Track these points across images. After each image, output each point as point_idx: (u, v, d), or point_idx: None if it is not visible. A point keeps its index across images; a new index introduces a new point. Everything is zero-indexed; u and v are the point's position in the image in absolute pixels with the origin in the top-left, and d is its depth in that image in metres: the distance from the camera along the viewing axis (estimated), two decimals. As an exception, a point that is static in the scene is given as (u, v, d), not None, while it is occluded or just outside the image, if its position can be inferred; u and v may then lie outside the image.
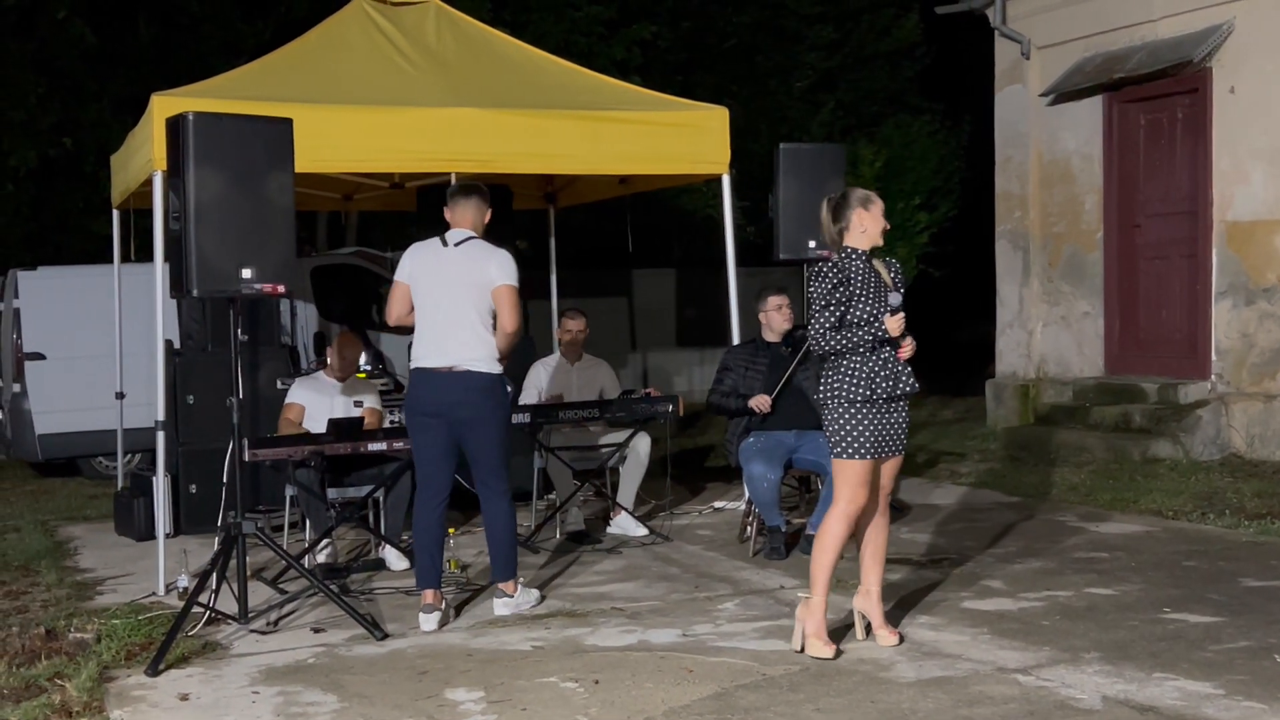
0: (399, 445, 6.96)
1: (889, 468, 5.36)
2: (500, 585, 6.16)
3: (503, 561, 6.13)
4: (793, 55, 19.46)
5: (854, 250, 5.29)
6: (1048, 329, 12.00)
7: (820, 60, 19.50)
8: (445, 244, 6.11)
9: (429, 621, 5.89)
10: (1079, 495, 8.89)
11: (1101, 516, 8.19)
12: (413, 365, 6.09)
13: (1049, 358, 11.98)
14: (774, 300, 7.55)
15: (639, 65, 17.03)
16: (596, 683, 4.97)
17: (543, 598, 6.35)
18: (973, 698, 4.68)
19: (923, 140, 18.78)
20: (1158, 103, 10.96)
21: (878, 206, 5.33)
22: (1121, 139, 11.26)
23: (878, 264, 5.31)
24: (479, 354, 5.99)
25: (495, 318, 6.04)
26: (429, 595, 5.96)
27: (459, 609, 6.23)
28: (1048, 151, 11.90)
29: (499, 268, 6.05)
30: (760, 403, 7.29)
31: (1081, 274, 11.63)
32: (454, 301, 6.00)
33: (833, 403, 5.24)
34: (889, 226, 5.38)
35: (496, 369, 6.04)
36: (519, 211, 10.32)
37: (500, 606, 6.14)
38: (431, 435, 6.02)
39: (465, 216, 6.16)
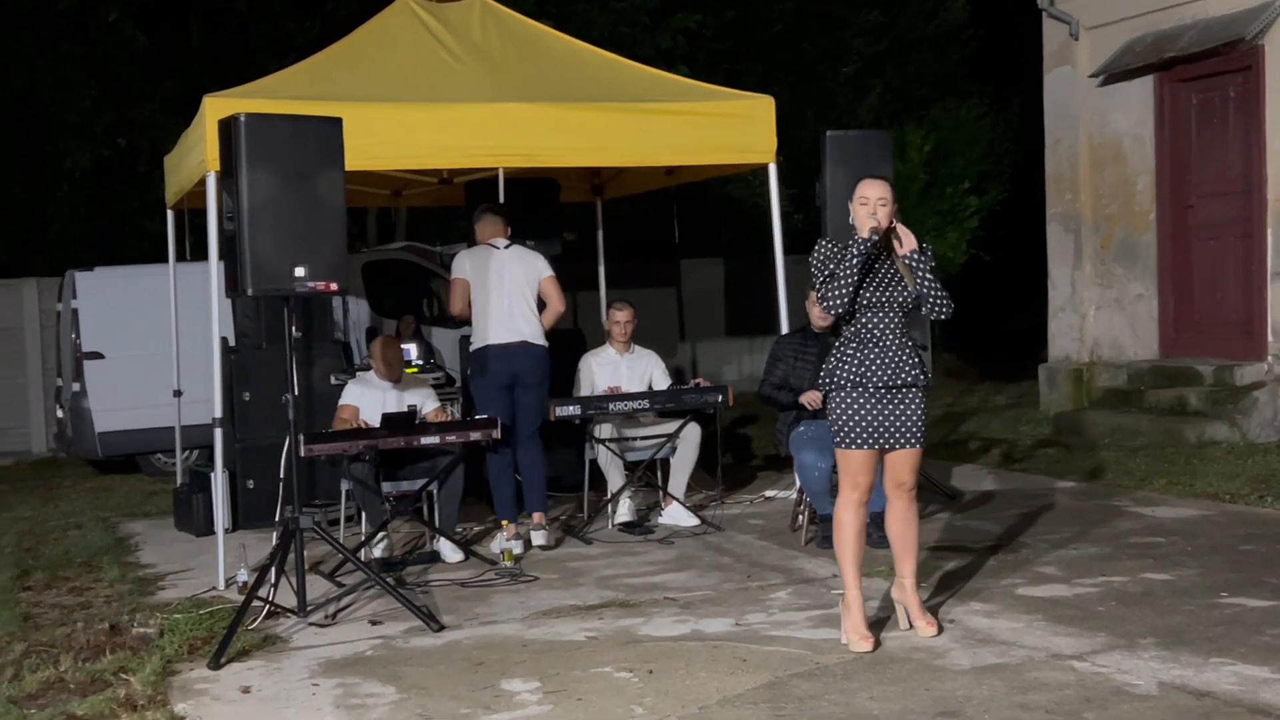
0: (451, 438, 7.03)
1: (902, 461, 5.27)
2: (536, 517, 7.48)
3: (540, 497, 7.56)
4: (839, 41, 19.36)
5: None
6: (1101, 312, 11.90)
7: (867, 45, 19.39)
8: (496, 248, 7.63)
9: (539, 536, 7.42)
10: (1134, 480, 8.82)
11: (1157, 501, 8.13)
12: (483, 343, 7.50)
13: (1102, 341, 11.87)
14: (814, 295, 7.51)
15: (684, 55, 17.01)
16: (651, 672, 5.00)
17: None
18: (1028, 684, 4.67)
19: (971, 124, 18.65)
20: (1209, 81, 10.82)
21: (857, 191, 5.25)
22: (1173, 119, 11.13)
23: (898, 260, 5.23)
24: (538, 330, 7.58)
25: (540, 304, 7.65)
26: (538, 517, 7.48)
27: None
28: (1098, 133, 11.79)
29: (543, 264, 7.71)
30: (812, 399, 7.30)
31: (1134, 256, 11.52)
32: (515, 291, 7.54)
33: (830, 389, 5.27)
34: (866, 200, 5.18)
35: (545, 342, 7.62)
36: (566, 204, 10.38)
37: (539, 537, 7.40)
38: (506, 397, 7.50)
39: (498, 229, 7.74)
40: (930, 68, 20.04)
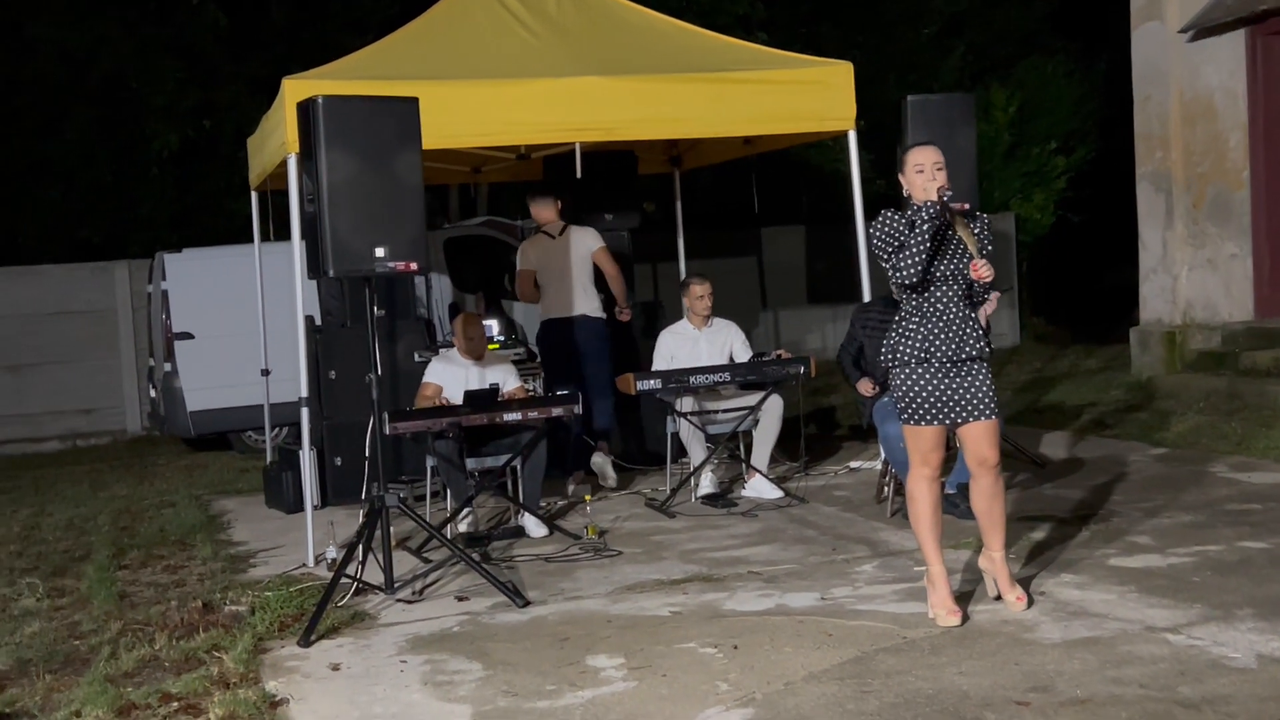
0: (533, 415, 7.05)
1: (977, 436, 5.15)
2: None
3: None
4: (920, 0, 19.05)
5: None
6: (1193, 273, 11.62)
7: (948, 4, 19.05)
8: (552, 236, 8.62)
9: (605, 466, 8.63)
10: (1229, 445, 8.61)
11: (1253, 466, 7.93)
12: (547, 317, 8.65)
13: (1195, 302, 11.60)
14: None
15: (762, 19, 16.85)
16: (735, 648, 4.98)
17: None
18: (1120, 658, 4.58)
19: (1058, 81, 18.29)
20: (1304, 33, 10.51)
21: (909, 160, 5.14)
22: (1266, 73, 10.81)
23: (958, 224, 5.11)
24: (595, 305, 8.68)
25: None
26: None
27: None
28: (1189, 89, 11.48)
29: (593, 237, 8.69)
30: (864, 388, 7.27)
31: (1228, 214, 11.23)
32: (570, 271, 8.57)
33: (894, 366, 5.17)
34: (922, 167, 5.06)
35: (603, 314, 8.70)
36: (644, 175, 10.34)
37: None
38: (571, 364, 8.55)
39: (550, 211, 8.67)
40: (1014, 25, 19.64)
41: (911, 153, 5.15)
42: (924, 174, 5.06)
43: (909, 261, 4.99)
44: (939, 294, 5.10)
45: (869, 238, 5.21)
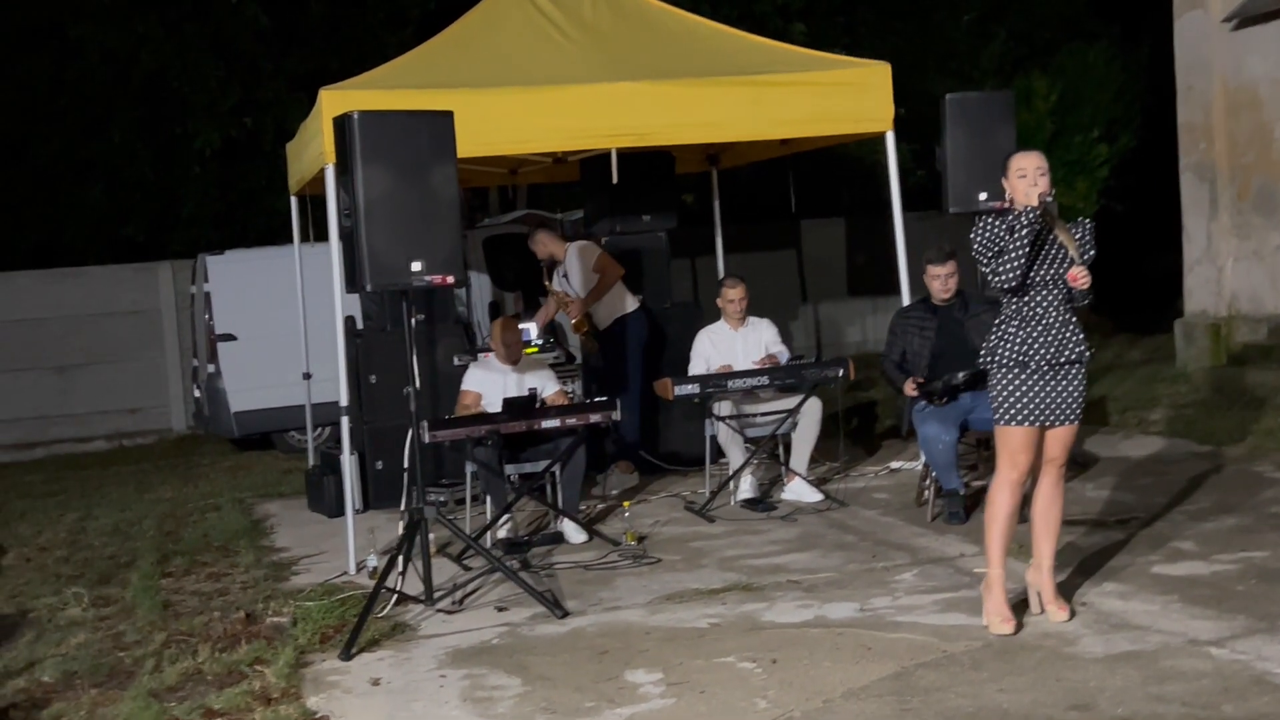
0: (572, 421, 7.05)
1: (1058, 437, 5.18)
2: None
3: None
4: (960, -14, 18.87)
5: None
6: (1239, 264, 11.47)
7: (988, -11, 18.86)
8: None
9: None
10: (1276, 441, 8.48)
11: (1301, 466, 7.84)
12: (634, 309, 9.03)
13: (1241, 294, 11.45)
14: (932, 269, 7.37)
15: (800, 9, 16.72)
16: (774, 662, 4.97)
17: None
18: (1163, 674, 4.54)
19: (1100, 68, 18.06)
20: (1352, 20, 10.32)
21: (1012, 164, 5.13)
22: (1313, 61, 10.65)
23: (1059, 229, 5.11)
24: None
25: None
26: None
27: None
28: (1233, 78, 11.31)
29: None
30: (909, 388, 7.24)
31: (1273, 205, 11.06)
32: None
33: (992, 367, 5.17)
34: (1025, 172, 5.05)
35: None
36: (681, 173, 10.30)
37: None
38: (645, 353, 9.03)
39: (558, 241, 9.21)
40: (1055, 9, 19.40)
41: (1014, 158, 5.15)
42: (1026, 179, 5.06)
43: (1008, 266, 5.00)
44: (1039, 298, 5.11)
45: (970, 242, 5.17)
